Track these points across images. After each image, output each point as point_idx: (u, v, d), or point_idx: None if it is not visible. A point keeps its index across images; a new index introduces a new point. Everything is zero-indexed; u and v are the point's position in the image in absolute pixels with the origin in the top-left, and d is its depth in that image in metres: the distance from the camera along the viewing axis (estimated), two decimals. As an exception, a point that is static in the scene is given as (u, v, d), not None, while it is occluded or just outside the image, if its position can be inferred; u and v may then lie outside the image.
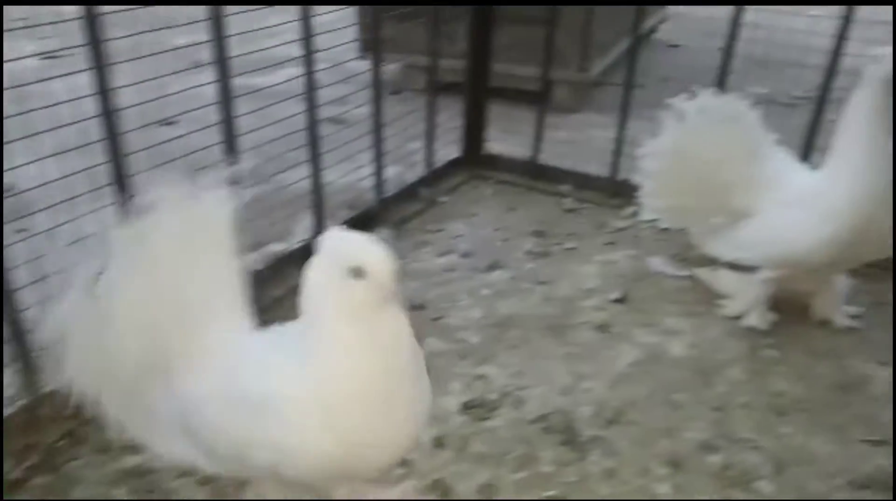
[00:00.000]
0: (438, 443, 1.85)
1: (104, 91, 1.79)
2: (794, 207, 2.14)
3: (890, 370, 2.15)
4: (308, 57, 2.37)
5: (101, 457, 1.80)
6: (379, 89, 2.70)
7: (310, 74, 2.42)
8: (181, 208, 1.39)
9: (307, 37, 2.36)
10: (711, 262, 2.48)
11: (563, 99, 3.95)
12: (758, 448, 1.88)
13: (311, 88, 2.39)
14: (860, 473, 1.81)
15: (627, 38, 4.40)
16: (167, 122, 2.10)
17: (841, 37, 2.47)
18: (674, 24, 5.91)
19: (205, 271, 1.43)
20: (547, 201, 3.13)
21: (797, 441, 1.90)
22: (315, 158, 2.48)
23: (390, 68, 3.24)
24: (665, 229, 2.80)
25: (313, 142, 2.45)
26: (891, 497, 1.76)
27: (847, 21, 2.45)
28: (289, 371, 1.30)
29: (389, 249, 1.26)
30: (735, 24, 2.59)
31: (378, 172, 2.77)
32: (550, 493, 1.73)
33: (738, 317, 2.35)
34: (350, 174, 2.83)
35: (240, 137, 2.23)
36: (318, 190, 2.53)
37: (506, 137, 3.36)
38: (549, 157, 3.25)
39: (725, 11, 2.65)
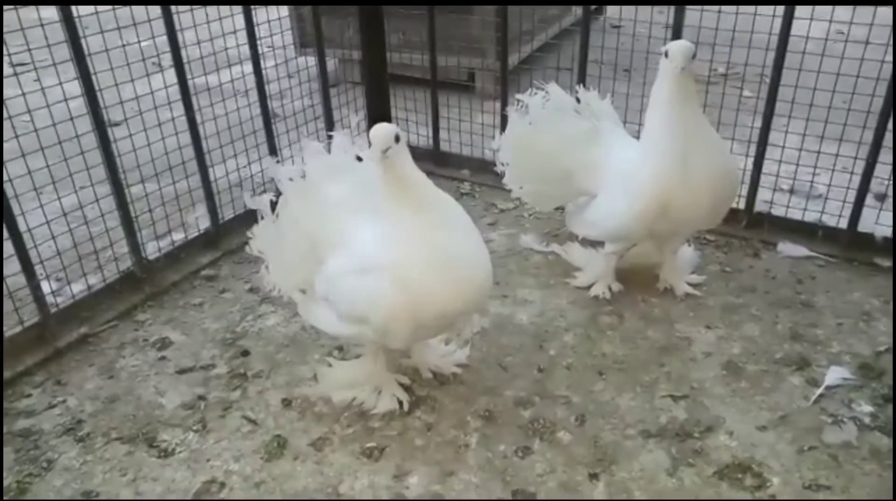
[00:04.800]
0: (286, 404, 2.13)
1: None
2: (615, 186, 2.35)
3: (712, 333, 2.37)
4: (255, 55, 2.81)
5: (-6, 422, 2.10)
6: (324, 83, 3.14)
7: (258, 71, 2.83)
8: (316, 156, 2.02)
9: (253, 36, 2.76)
10: (577, 239, 2.70)
11: (484, 86, 4.15)
12: (568, 403, 2.12)
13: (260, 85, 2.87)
14: (654, 424, 2.04)
15: (555, 25, 4.63)
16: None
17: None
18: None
19: (339, 193, 1.99)
20: (447, 185, 3.35)
21: (606, 397, 2.14)
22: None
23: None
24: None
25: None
26: (680, 444, 1.98)
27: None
28: (375, 247, 1.84)
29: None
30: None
31: (279, 162, 3.00)
32: (370, 444, 1.99)
33: (586, 288, 2.57)
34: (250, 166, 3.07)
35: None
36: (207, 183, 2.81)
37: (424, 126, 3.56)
38: (464, 143, 3.44)
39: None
